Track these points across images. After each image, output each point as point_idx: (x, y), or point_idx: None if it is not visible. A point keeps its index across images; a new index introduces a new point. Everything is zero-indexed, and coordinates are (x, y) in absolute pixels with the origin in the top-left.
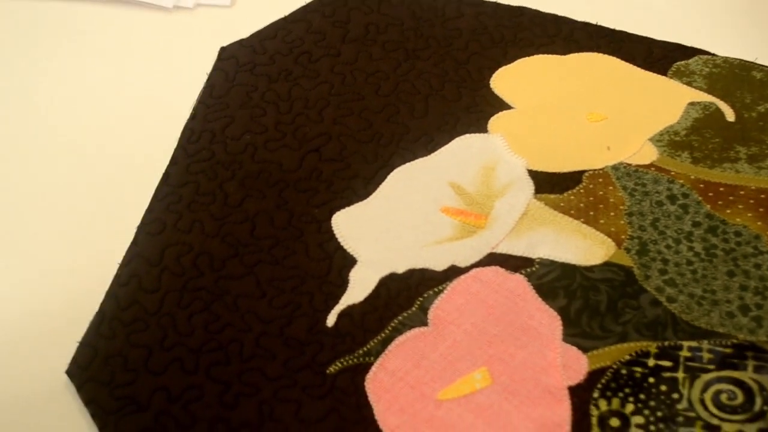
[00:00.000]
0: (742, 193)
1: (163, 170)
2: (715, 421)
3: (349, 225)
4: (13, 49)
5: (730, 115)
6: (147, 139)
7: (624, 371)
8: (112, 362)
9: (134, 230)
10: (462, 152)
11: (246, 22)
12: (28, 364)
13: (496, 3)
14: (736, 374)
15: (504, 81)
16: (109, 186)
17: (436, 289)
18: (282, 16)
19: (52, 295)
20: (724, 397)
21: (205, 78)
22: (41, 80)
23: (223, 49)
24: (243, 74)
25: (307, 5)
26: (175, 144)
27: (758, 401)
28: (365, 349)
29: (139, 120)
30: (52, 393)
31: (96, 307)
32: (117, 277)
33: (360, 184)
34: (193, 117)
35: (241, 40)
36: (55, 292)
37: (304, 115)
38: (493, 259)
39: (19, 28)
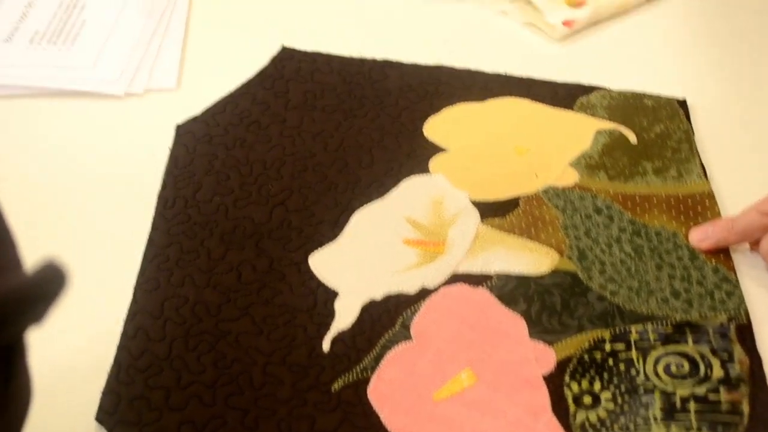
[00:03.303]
0: (654, 200)
1: (145, 236)
2: (670, 388)
3: (325, 263)
4: None
5: (632, 138)
6: (125, 210)
7: (586, 357)
8: (136, 405)
9: (131, 290)
10: (411, 192)
11: (192, 101)
12: (56, 417)
13: (415, 64)
14: (679, 348)
15: (435, 128)
16: (98, 254)
17: (412, 308)
18: (224, 93)
19: (65, 356)
20: (673, 368)
21: (164, 153)
22: (14, 173)
23: (179, 126)
24: (202, 146)
25: (248, 81)
26: (151, 212)
27: (702, 367)
28: (361, 365)
29: (113, 196)
30: None
31: (108, 362)
32: (125, 332)
33: (327, 228)
34: (164, 187)
35: (195, 117)
36: (68, 354)
37: (265, 175)
38: (456, 278)
39: None
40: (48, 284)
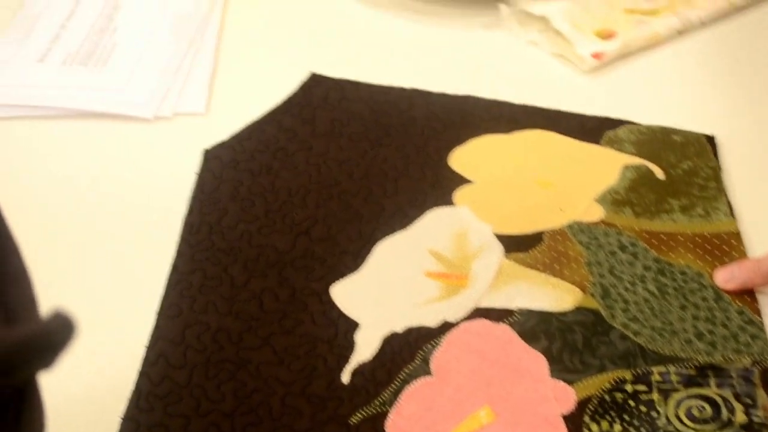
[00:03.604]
0: (680, 238)
1: (169, 261)
2: None
3: (346, 294)
4: (11, 170)
5: (660, 174)
6: (150, 235)
7: (607, 397)
8: None
9: (154, 316)
10: (435, 223)
11: (221, 126)
12: None
13: (442, 93)
14: (702, 391)
15: (460, 159)
16: (123, 279)
17: (433, 343)
18: (252, 118)
19: (87, 381)
20: (695, 411)
21: (192, 178)
22: (42, 194)
23: (207, 151)
24: (228, 171)
25: (276, 108)
26: (176, 238)
27: (724, 411)
28: (380, 399)
29: (139, 220)
30: None
31: (129, 388)
32: (146, 358)
33: (350, 259)
34: (190, 212)
35: (222, 142)
36: (89, 379)
37: (290, 203)
38: (478, 313)
39: (12, 150)
40: (57, 335)
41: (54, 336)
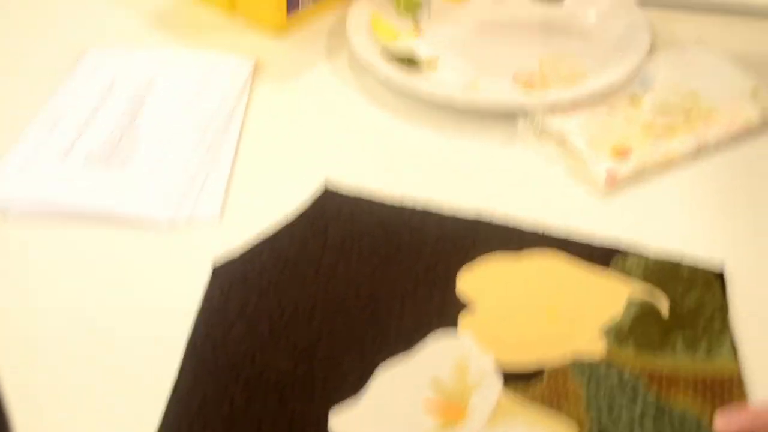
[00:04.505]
0: (681, 379)
1: (171, 379)
2: None
3: (345, 424)
4: (11, 275)
5: (664, 311)
6: (153, 350)
7: None
8: None
9: None
10: (437, 351)
11: (235, 233)
12: None
13: (453, 216)
14: None
15: (468, 282)
16: (122, 396)
17: None
18: (266, 225)
19: None
20: None
21: (201, 290)
22: (46, 301)
23: (215, 269)
24: (236, 288)
25: (289, 222)
26: (179, 352)
27: None
28: None
29: (143, 333)
30: None
31: None
32: None
33: (351, 382)
34: (195, 329)
35: (232, 260)
36: None
37: (295, 321)
38: None
39: (16, 257)
40: None
41: None
